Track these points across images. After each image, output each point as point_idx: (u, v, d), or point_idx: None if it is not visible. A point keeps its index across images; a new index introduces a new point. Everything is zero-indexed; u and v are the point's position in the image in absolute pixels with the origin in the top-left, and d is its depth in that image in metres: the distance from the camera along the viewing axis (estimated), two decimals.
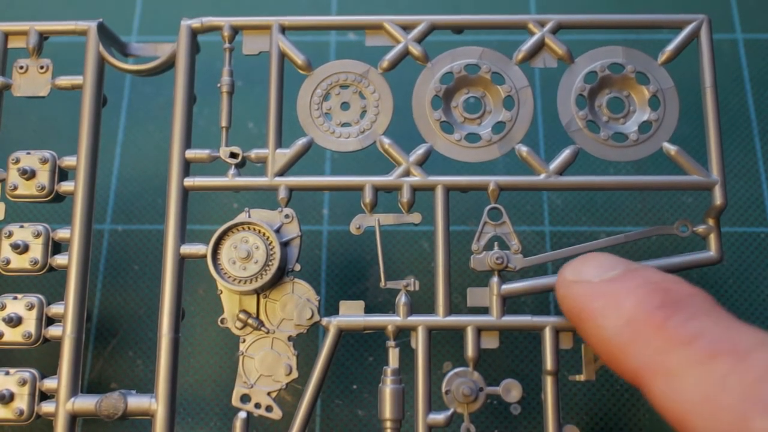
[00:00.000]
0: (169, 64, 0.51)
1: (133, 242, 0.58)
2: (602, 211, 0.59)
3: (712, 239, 0.49)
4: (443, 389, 0.46)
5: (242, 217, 0.48)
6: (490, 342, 0.47)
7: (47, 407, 0.46)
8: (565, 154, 0.49)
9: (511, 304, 0.52)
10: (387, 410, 0.46)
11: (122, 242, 0.57)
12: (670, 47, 0.50)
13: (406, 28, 0.51)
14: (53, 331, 0.47)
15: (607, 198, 0.59)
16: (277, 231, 0.48)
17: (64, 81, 0.51)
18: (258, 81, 0.60)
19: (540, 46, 0.51)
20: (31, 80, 0.51)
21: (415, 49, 0.51)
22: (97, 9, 0.64)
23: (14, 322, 0.47)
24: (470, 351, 0.47)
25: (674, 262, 0.49)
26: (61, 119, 0.60)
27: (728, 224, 0.58)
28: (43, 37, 0.51)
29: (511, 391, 0.47)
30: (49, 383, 0.47)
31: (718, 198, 0.48)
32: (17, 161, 0.49)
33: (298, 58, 0.51)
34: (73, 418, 0.46)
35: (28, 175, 0.48)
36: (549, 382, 0.47)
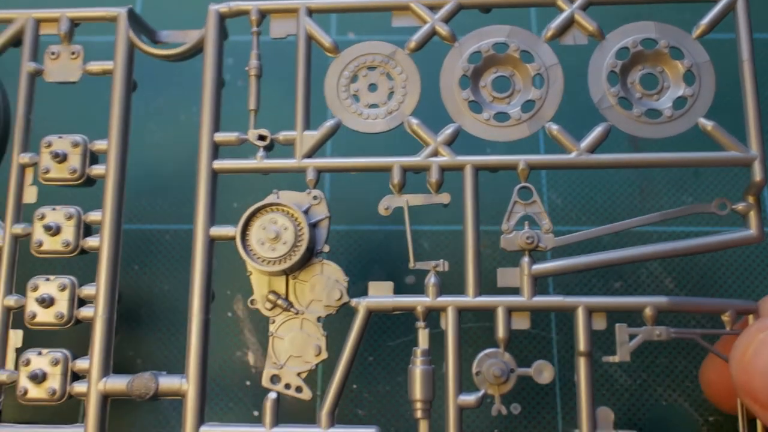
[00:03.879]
0: (198, 49, 0.51)
1: (134, 242, 0.58)
2: (602, 211, 0.58)
3: (752, 217, 0.48)
4: (474, 370, 0.46)
5: (271, 198, 0.48)
6: (521, 323, 0.47)
7: (79, 387, 0.47)
8: (597, 131, 0.48)
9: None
10: (417, 391, 0.46)
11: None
12: (705, 21, 0.49)
13: (433, 8, 0.51)
14: (85, 312, 0.48)
15: (607, 197, 0.58)
16: (306, 212, 0.48)
17: (95, 66, 0.51)
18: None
19: (570, 23, 0.50)
20: (63, 66, 0.51)
21: (443, 29, 0.50)
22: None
23: (47, 302, 0.47)
24: (501, 332, 0.46)
25: (713, 242, 0.48)
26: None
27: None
28: (73, 23, 0.52)
29: (543, 372, 0.46)
30: (81, 363, 0.47)
31: (757, 174, 0.47)
32: (49, 145, 0.50)
33: (325, 40, 0.50)
34: (105, 398, 0.47)
35: (60, 158, 0.49)
36: (582, 364, 0.46)
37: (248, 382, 0.55)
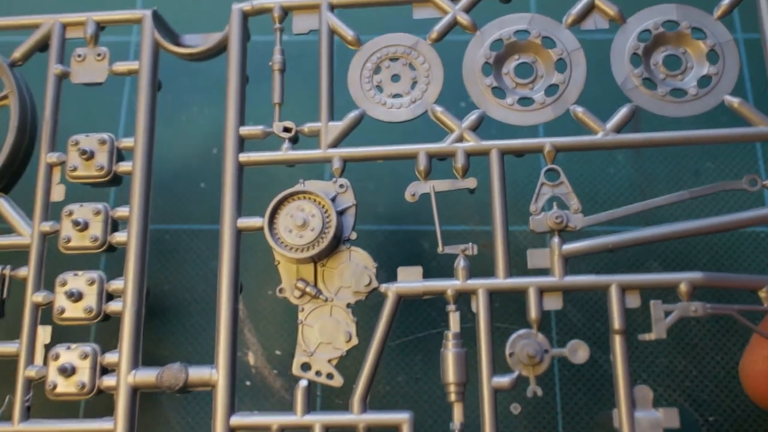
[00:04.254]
0: (221, 47, 0.52)
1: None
2: (603, 209, 0.57)
3: None
4: (507, 351, 0.45)
5: (297, 187, 0.48)
6: (554, 303, 0.46)
7: (108, 381, 0.46)
8: (622, 112, 0.48)
9: None
10: (450, 374, 0.45)
11: None
12: (726, 1, 0.49)
13: None
14: (114, 306, 0.48)
15: (607, 197, 0.58)
16: (333, 200, 0.48)
17: (121, 67, 0.52)
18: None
19: (590, 7, 0.50)
20: (89, 67, 0.52)
21: (464, 19, 0.51)
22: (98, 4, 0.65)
23: (75, 297, 0.47)
24: (533, 312, 0.46)
25: (743, 218, 0.47)
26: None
27: None
28: (99, 26, 0.53)
29: (578, 351, 0.45)
30: (110, 357, 0.47)
31: None
32: (77, 143, 0.50)
33: (348, 34, 0.51)
34: (135, 390, 0.46)
35: (88, 155, 0.49)
36: (617, 342, 0.45)
37: (248, 382, 0.54)
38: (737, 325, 0.53)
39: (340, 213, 0.48)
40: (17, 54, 0.53)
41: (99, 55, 0.52)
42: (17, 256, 0.50)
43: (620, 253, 0.55)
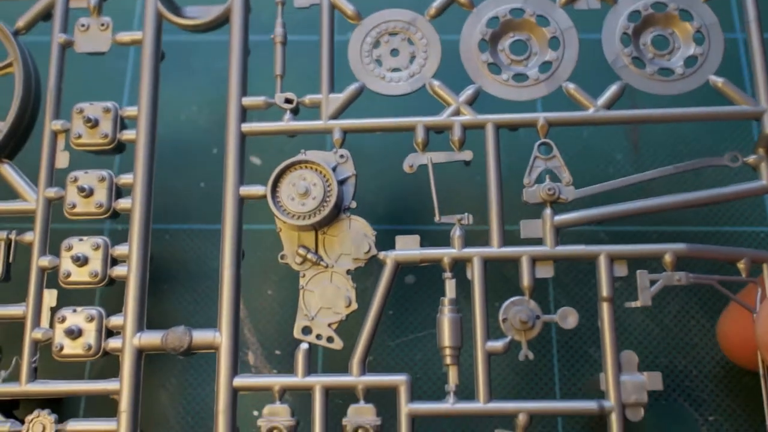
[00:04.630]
0: (224, 19, 0.53)
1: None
2: (599, 202, 0.59)
3: (763, 168, 0.49)
4: (500, 317, 0.47)
5: (299, 156, 0.49)
6: (545, 271, 0.48)
7: (114, 343, 0.48)
8: (612, 89, 0.50)
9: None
10: (446, 338, 0.47)
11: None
12: None
13: None
14: (118, 270, 0.49)
15: (608, 197, 0.59)
16: (333, 170, 0.49)
17: (124, 37, 0.53)
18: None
19: None
20: (92, 37, 0.53)
21: None
22: None
23: (81, 261, 0.48)
24: (525, 280, 0.48)
25: (725, 192, 0.49)
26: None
27: None
28: None
29: (568, 317, 0.47)
30: (115, 320, 0.48)
31: (767, 127, 0.49)
32: (81, 111, 0.51)
33: (348, 8, 0.52)
34: (140, 352, 0.47)
35: (92, 123, 0.50)
36: (605, 309, 0.47)
37: None
38: None
39: (341, 182, 0.49)
40: (21, 23, 0.53)
41: (102, 25, 0.53)
42: (21, 221, 0.51)
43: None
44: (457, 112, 0.50)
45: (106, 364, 0.53)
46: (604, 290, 0.47)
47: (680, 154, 0.59)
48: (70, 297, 0.50)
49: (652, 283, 0.47)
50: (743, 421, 0.53)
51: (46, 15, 0.54)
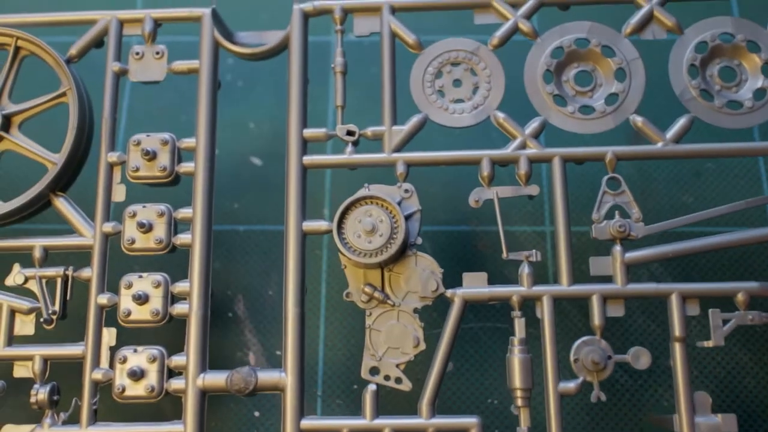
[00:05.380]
0: (282, 47, 0.52)
1: None
2: None
3: None
4: (572, 358, 0.46)
5: (363, 192, 0.48)
6: (616, 310, 0.47)
7: (177, 384, 0.47)
8: (681, 122, 0.49)
9: None
10: (516, 379, 0.46)
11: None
12: None
13: (514, 5, 0.52)
14: (179, 308, 0.48)
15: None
16: (398, 205, 0.48)
17: (180, 66, 0.52)
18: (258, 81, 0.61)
19: (649, 18, 0.51)
20: (147, 65, 0.52)
21: (525, 25, 0.51)
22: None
23: (142, 299, 0.47)
24: (596, 319, 0.47)
25: None
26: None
27: None
28: (157, 24, 0.52)
29: (641, 358, 0.46)
30: (178, 360, 0.47)
31: None
32: (138, 143, 0.50)
33: (409, 38, 0.51)
34: (203, 393, 0.46)
35: (150, 156, 0.49)
36: (678, 349, 0.46)
37: None
38: None
39: (407, 218, 0.48)
40: (73, 50, 0.52)
41: (157, 53, 0.52)
42: (69, 256, 0.50)
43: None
44: (524, 146, 0.49)
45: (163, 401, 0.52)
46: (677, 330, 0.46)
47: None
48: (126, 334, 0.49)
49: (725, 322, 0.47)
50: (743, 421, 0.52)
51: (99, 42, 0.52)
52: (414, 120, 0.50)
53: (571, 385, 0.46)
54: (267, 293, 0.56)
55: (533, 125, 0.50)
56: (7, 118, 0.51)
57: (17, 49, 0.52)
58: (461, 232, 0.56)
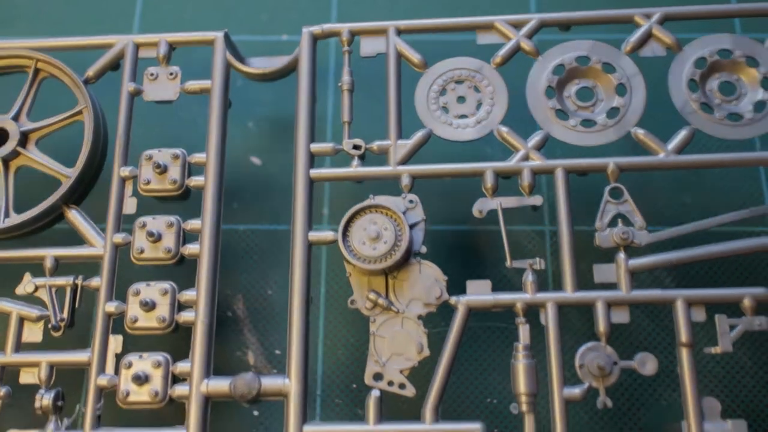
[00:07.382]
0: (291, 68, 0.54)
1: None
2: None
3: None
4: (577, 364, 0.46)
5: (368, 201, 0.49)
6: (621, 316, 0.47)
7: (181, 390, 0.47)
8: (682, 134, 0.50)
9: None
10: (521, 384, 0.46)
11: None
12: None
13: (516, 26, 0.53)
14: (186, 315, 0.48)
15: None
16: (403, 214, 0.49)
17: (193, 86, 0.53)
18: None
19: (647, 36, 0.52)
20: (161, 86, 0.54)
21: (527, 45, 0.53)
22: (97, 7, 0.65)
23: (149, 306, 0.48)
24: (601, 325, 0.46)
25: None
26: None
27: None
28: (171, 47, 0.54)
29: (647, 364, 0.46)
30: (182, 366, 0.47)
31: None
32: (150, 158, 0.51)
33: (414, 57, 0.53)
34: (207, 399, 0.46)
35: (162, 169, 0.50)
36: (684, 355, 0.46)
37: None
38: None
39: (411, 227, 0.49)
40: (90, 72, 0.54)
41: (171, 74, 0.54)
42: (78, 266, 0.51)
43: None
44: (526, 158, 0.50)
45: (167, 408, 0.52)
46: (683, 335, 0.46)
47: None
48: (132, 342, 0.49)
49: (732, 327, 0.46)
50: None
51: (115, 65, 0.54)
52: (419, 135, 0.51)
53: (576, 391, 0.45)
54: (266, 293, 0.56)
55: (536, 138, 0.50)
56: (25, 135, 0.53)
57: (37, 71, 0.54)
58: (462, 231, 0.57)
